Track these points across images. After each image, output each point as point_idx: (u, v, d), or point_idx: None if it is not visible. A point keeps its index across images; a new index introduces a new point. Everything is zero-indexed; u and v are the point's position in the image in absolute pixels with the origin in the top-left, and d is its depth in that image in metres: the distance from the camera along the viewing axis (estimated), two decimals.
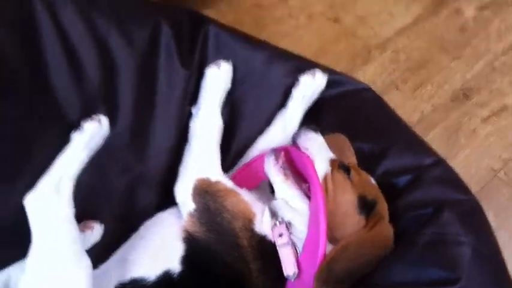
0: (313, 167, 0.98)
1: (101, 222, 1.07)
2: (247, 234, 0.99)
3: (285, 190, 1.01)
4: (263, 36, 1.90)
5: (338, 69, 1.79)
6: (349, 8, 2.02)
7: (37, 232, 0.90)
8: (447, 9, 2.03)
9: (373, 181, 1.05)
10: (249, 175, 1.10)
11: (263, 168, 1.05)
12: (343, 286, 0.94)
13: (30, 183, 0.94)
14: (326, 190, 0.96)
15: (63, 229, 0.90)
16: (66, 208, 0.93)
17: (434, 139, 1.66)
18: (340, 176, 0.99)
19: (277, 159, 1.02)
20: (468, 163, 1.63)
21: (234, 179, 1.08)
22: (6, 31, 1.04)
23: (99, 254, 1.00)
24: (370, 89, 1.29)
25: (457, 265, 0.87)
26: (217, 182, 1.03)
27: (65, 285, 0.87)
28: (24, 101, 1.00)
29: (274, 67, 1.27)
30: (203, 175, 1.04)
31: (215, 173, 1.05)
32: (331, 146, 1.09)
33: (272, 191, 1.05)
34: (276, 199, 1.02)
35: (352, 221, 0.97)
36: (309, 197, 0.98)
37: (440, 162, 1.09)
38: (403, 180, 1.08)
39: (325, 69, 1.28)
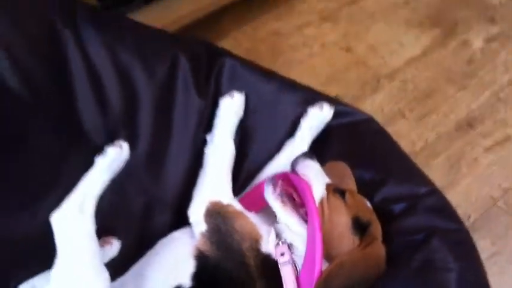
0: (310, 192, 1.05)
1: (119, 238, 1.15)
2: (253, 254, 1.07)
3: (284, 215, 1.09)
4: (279, 62, 2.03)
5: (348, 96, 1.91)
6: (361, 38, 2.12)
7: (62, 246, 0.98)
8: (456, 40, 2.12)
9: (368, 204, 1.13)
10: (256, 198, 1.18)
11: None
12: None
13: (57, 201, 1.02)
14: (322, 213, 1.04)
15: (85, 244, 0.99)
16: (89, 225, 1.01)
17: (437, 166, 1.74)
18: (336, 199, 1.07)
19: (275, 187, 1.11)
20: (469, 191, 1.70)
21: (242, 201, 1.16)
22: (39, 62, 1.15)
23: (117, 268, 1.08)
24: (373, 119, 1.37)
25: None
26: (228, 205, 1.12)
27: None
28: (54, 127, 1.11)
29: (284, 97, 1.36)
30: (215, 198, 1.13)
31: (226, 196, 1.14)
32: (333, 172, 1.17)
33: None
34: (278, 222, 1.10)
35: (347, 240, 1.04)
36: (306, 221, 1.06)
37: (434, 192, 1.17)
38: (399, 207, 1.16)
39: (332, 100, 1.37)
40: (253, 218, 1.11)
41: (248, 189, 1.28)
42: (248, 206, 1.15)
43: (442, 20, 2.20)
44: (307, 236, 1.04)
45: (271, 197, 1.10)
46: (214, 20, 2.05)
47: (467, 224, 1.59)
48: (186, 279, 1.05)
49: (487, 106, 1.91)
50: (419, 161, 1.69)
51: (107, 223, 1.10)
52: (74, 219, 1.01)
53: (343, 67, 2.02)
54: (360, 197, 1.13)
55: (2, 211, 1.06)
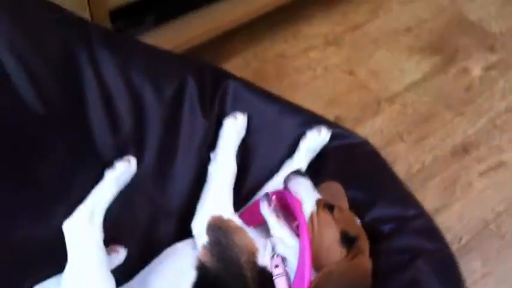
0: (301, 208, 1.13)
1: (125, 246, 1.22)
2: (250, 266, 1.14)
3: (278, 229, 1.16)
4: (284, 84, 2.11)
5: (350, 118, 1.99)
6: (363, 63, 2.20)
7: (72, 252, 1.06)
8: (455, 68, 2.19)
9: (357, 220, 1.20)
10: (254, 214, 1.25)
11: None
12: None
13: (70, 210, 1.10)
14: (312, 226, 1.11)
15: (93, 252, 1.06)
16: (97, 234, 1.09)
17: (432, 188, 1.81)
18: (325, 214, 1.14)
19: (269, 203, 1.18)
20: (462, 213, 1.76)
21: (242, 216, 1.24)
22: (55, 80, 1.23)
23: (122, 275, 1.15)
24: (368, 143, 1.44)
25: None
26: (228, 220, 1.19)
27: None
28: (68, 142, 1.19)
29: (285, 119, 1.43)
30: (217, 213, 1.20)
31: (227, 211, 1.21)
32: (328, 191, 1.25)
33: None
34: (272, 236, 1.18)
35: (335, 253, 1.11)
36: (298, 234, 1.13)
37: (422, 214, 1.23)
38: (387, 227, 1.23)
39: (330, 123, 1.45)
40: (251, 232, 1.19)
41: (248, 205, 1.35)
42: (247, 221, 1.22)
43: (443, 47, 2.27)
44: (298, 249, 1.11)
45: (266, 212, 1.18)
46: (224, 40, 2.12)
47: (458, 245, 1.69)
48: (187, 287, 1.12)
49: (483, 132, 1.97)
50: (416, 183, 1.80)
51: (114, 232, 1.17)
52: (83, 228, 1.08)
53: (346, 90, 2.09)
54: (349, 213, 1.20)
55: (18, 219, 1.13)
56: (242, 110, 1.39)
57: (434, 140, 1.95)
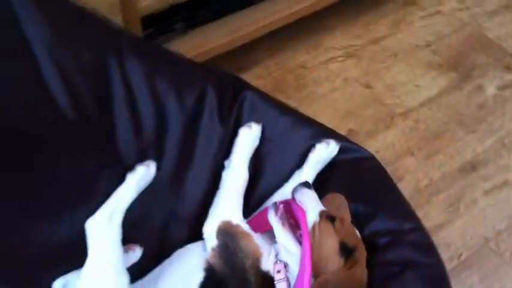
0: (305, 218, 1.20)
1: (141, 246, 1.30)
2: (254, 270, 1.21)
3: (282, 236, 1.23)
4: (302, 94, 2.19)
5: (363, 130, 2.06)
6: (381, 76, 2.27)
7: (92, 249, 1.14)
8: (471, 85, 2.25)
9: (356, 232, 1.26)
10: (262, 221, 1.33)
11: None
12: None
13: (92, 210, 1.18)
14: (313, 236, 1.19)
15: (111, 249, 1.15)
16: (116, 233, 1.17)
17: (437, 204, 1.87)
18: (326, 225, 1.21)
19: (276, 211, 1.25)
20: (464, 230, 1.82)
21: (251, 223, 1.31)
22: (86, 86, 1.34)
23: (136, 273, 1.23)
24: (375, 158, 1.51)
25: None
26: (237, 225, 1.27)
27: None
28: (93, 145, 1.30)
29: (297, 131, 1.50)
30: (227, 218, 1.28)
31: (236, 217, 1.29)
32: (331, 203, 1.32)
33: None
34: (277, 243, 1.26)
35: (333, 262, 1.17)
36: (301, 243, 1.20)
37: (418, 228, 1.30)
38: (383, 240, 1.30)
39: (339, 137, 1.52)
40: (257, 238, 1.26)
41: (257, 212, 1.44)
42: (255, 227, 1.30)
43: (460, 64, 2.33)
44: (300, 256, 1.19)
45: (273, 219, 1.25)
46: (248, 48, 2.21)
47: (458, 261, 1.75)
48: (195, 286, 1.20)
49: (491, 151, 2.03)
50: (422, 198, 1.87)
51: (131, 232, 1.24)
52: (104, 227, 1.16)
53: (361, 103, 2.16)
54: (349, 225, 1.27)
55: (44, 217, 1.24)
56: (257, 121, 1.47)
57: (444, 157, 2.01)
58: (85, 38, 1.38)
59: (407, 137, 2.06)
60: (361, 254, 1.23)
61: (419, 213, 1.72)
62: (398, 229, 1.32)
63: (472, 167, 1.98)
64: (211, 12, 2.10)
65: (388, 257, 1.25)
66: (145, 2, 1.85)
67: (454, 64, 2.33)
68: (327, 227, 1.22)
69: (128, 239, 1.24)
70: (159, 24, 1.97)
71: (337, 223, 1.23)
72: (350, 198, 1.36)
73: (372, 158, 1.52)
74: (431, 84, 2.25)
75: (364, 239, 1.27)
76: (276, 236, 1.26)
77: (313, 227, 1.22)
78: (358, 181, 1.45)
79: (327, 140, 1.48)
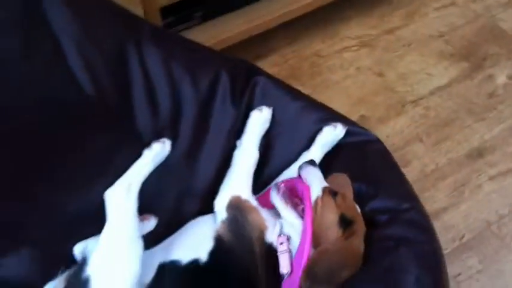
0: (308, 193, 1.28)
1: (156, 216, 1.39)
2: (259, 242, 1.29)
3: (285, 212, 1.32)
4: (316, 81, 2.26)
5: (374, 117, 2.12)
6: (394, 65, 2.32)
7: (110, 217, 1.20)
8: (482, 74, 2.29)
9: (357, 207, 1.34)
10: (269, 197, 1.41)
11: None
12: (324, 287, 1.24)
13: (111, 182, 1.25)
14: (316, 208, 1.27)
15: (128, 217, 1.22)
16: (132, 203, 1.23)
17: (443, 188, 1.93)
18: (328, 199, 1.29)
19: (278, 190, 1.34)
20: (467, 213, 1.87)
21: (259, 199, 1.38)
22: (107, 69, 1.44)
23: (150, 241, 1.31)
24: (380, 141, 1.56)
25: None
26: (245, 200, 1.34)
27: (122, 256, 1.18)
28: (113, 124, 1.41)
29: (306, 115, 1.57)
30: (236, 193, 1.36)
31: (245, 193, 1.36)
32: (335, 182, 1.39)
33: None
34: (281, 218, 1.34)
35: (333, 233, 1.25)
36: (303, 217, 1.29)
37: (416, 208, 1.36)
38: (382, 217, 1.36)
39: (346, 120, 1.58)
40: (263, 212, 1.33)
41: (265, 190, 1.52)
42: (262, 204, 1.37)
43: (472, 54, 2.37)
44: (302, 229, 1.27)
45: (275, 198, 1.34)
46: (266, 37, 2.29)
47: (460, 242, 1.81)
48: (204, 254, 1.27)
49: (499, 138, 2.07)
50: (428, 182, 1.93)
51: (147, 204, 1.30)
52: (122, 197, 1.23)
53: (373, 91, 2.23)
54: (350, 200, 1.34)
55: (67, 188, 1.34)
56: (268, 104, 1.54)
57: (452, 144, 2.06)
58: (107, 27, 1.48)
59: (417, 123, 2.12)
60: (360, 227, 1.30)
61: (425, 197, 1.83)
62: (397, 208, 1.37)
63: (479, 153, 2.03)
64: (229, 2, 2.17)
65: (385, 232, 1.32)
66: None
67: (466, 54, 2.37)
68: (329, 201, 1.30)
69: (144, 210, 1.31)
70: (178, 14, 2.05)
71: (339, 198, 1.31)
72: (354, 178, 1.43)
73: (377, 141, 1.57)
74: (443, 73, 2.30)
75: (364, 216, 1.34)
76: (279, 212, 1.34)
77: (316, 200, 1.30)
78: (362, 162, 1.51)
79: (334, 123, 1.54)
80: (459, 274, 1.74)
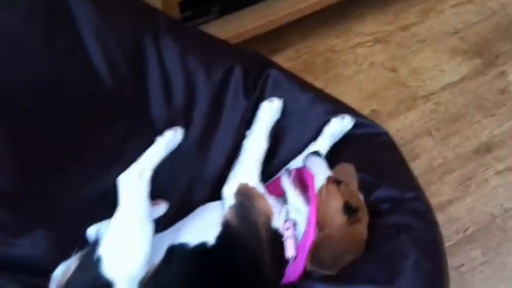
0: (313, 182, 1.35)
1: (167, 201, 1.45)
2: (266, 227, 1.35)
3: (293, 197, 1.37)
4: (329, 75, 2.29)
5: (385, 111, 2.15)
6: (407, 61, 2.34)
7: (122, 201, 1.25)
8: (494, 71, 2.30)
9: (360, 195, 1.39)
10: (277, 186, 1.46)
11: None
12: (328, 271, 1.30)
13: (124, 168, 1.29)
14: (320, 197, 1.32)
15: (139, 201, 1.26)
16: (144, 188, 1.27)
17: (449, 181, 1.96)
18: (332, 187, 1.35)
19: (289, 176, 1.40)
20: (473, 206, 1.91)
21: (267, 187, 1.44)
22: (125, 60, 1.50)
23: (161, 225, 1.37)
24: (387, 133, 1.60)
25: (398, 272, 1.22)
26: (253, 188, 1.40)
27: (133, 238, 1.24)
28: (129, 113, 1.47)
29: (315, 107, 1.61)
30: (245, 181, 1.41)
31: (253, 181, 1.41)
32: (341, 171, 1.44)
33: None
34: (288, 204, 1.39)
35: (337, 218, 1.31)
36: (309, 203, 1.34)
37: (419, 198, 1.41)
38: (385, 206, 1.41)
39: (355, 113, 1.62)
40: (270, 199, 1.39)
41: (273, 178, 1.56)
42: (270, 191, 1.42)
43: (485, 51, 2.38)
44: (307, 215, 1.33)
45: (286, 182, 1.40)
46: (281, 32, 2.32)
47: (464, 234, 1.85)
48: (212, 238, 1.33)
49: (508, 134, 2.09)
50: (435, 175, 1.96)
51: (158, 189, 1.37)
52: (134, 182, 1.27)
53: (385, 85, 2.25)
54: (354, 188, 1.39)
55: (82, 173, 1.41)
56: (279, 96, 1.58)
57: (460, 138, 2.08)
58: (125, 19, 1.53)
59: (427, 118, 2.15)
60: (363, 214, 1.36)
61: (431, 189, 1.86)
62: (400, 197, 1.42)
63: (486, 148, 2.05)
64: None
65: (387, 220, 1.37)
66: None
67: (479, 51, 2.38)
68: (333, 188, 1.35)
69: (156, 195, 1.37)
70: (196, 8, 2.08)
71: (343, 186, 1.36)
72: (360, 168, 1.47)
73: (384, 134, 1.61)
74: (456, 69, 2.31)
75: (368, 205, 1.39)
76: (288, 197, 1.39)
77: (321, 188, 1.35)
78: (368, 154, 1.55)
79: (342, 115, 1.59)
80: (462, 265, 1.77)
